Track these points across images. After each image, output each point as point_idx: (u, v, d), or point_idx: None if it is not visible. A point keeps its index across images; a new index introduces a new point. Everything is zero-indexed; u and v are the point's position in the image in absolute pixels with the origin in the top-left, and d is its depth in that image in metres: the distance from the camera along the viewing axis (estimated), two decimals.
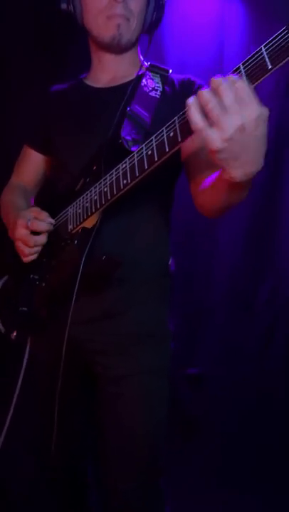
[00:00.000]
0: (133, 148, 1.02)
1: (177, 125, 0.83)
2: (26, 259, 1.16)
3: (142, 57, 1.29)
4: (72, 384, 1.21)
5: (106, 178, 1.02)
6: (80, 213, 1.09)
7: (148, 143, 0.91)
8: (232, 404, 2.29)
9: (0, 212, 1.36)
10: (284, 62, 0.69)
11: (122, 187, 0.97)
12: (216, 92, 0.70)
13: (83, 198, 1.09)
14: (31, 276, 1.19)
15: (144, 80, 1.19)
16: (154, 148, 0.89)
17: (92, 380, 1.22)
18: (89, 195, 1.07)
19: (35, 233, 1.13)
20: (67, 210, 1.14)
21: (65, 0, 1.21)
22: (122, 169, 0.97)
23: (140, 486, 1.15)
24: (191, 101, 0.73)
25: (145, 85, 1.19)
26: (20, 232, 1.13)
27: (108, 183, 1.01)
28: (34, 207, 1.19)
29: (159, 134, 0.88)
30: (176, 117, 0.84)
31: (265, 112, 0.71)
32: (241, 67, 0.72)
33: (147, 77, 1.21)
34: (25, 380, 1.23)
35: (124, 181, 0.96)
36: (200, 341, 2.43)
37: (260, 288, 2.40)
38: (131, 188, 0.98)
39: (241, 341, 2.37)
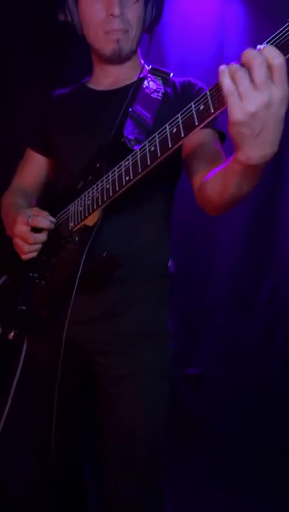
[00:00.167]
0: (135, 147, 1.02)
1: (180, 121, 0.83)
2: (25, 257, 1.16)
3: (142, 61, 1.30)
4: (72, 384, 1.22)
5: (108, 176, 1.02)
6: (81, 211, 1.09)
7: (151, 139, 0.91)
8: (232, 404, 2.29)
9: (0, 214, 1.36)
10: None
11: (124, 183, 0.97)
12: (247, 66, 0.69)
13: (85, 195, 1.09)
14: (31, 274, 1.19)
15: (145, 82, 1.20)
16: (157, 144, 0.89)
17: (92, 380, 1.22)
18: (90, 192, 1.07)
19: (35, 231, 1.13)
20: (69, 208, 1.14)
21: (62, 11, 1.21)
22: (125, 166, 0.98)
23: (140, 486, 1.15)
24: (223, 68, 0.72)
25: (147, 87, 1.19)
26: (20, 228, 1.13)
27: (110, 180, 1.01)
28: (36, 208, 1.19)
29: (162, 130, 0.88)
30: (178, 114, 0.84)
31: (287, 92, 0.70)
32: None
33: (149, 79, 1.21)
34: (25, 380, 1.23)
35: (127, 178, 0.96)
36: (200, 341, 2.43)
37: (261, 288, 2.39)
38: (133, 186, 0.98)
39: (241, 341, 2.37)
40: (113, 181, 1.00)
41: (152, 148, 0.90)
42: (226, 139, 1.15)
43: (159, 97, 1.18)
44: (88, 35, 1.21)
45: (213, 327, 2.42)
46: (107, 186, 1.01)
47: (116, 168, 1.00)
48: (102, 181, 1.04)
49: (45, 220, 1.13)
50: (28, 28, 2.02)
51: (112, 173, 1.01)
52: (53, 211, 1.19)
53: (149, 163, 0.91)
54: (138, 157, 0.94)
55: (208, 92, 0.79)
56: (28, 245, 1.13)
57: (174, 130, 0.85)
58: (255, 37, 2.22)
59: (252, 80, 0.69)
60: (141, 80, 1.21)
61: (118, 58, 1.20)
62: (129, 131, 1.09)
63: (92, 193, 1.06)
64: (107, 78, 1.27)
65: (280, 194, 2.34)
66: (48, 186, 1.41)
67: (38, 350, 1.25)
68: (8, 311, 1.21)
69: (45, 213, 1.15)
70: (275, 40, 0.69)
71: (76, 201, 1.12)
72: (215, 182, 0.96)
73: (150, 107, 1.16)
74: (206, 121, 0.81)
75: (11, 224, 1.19)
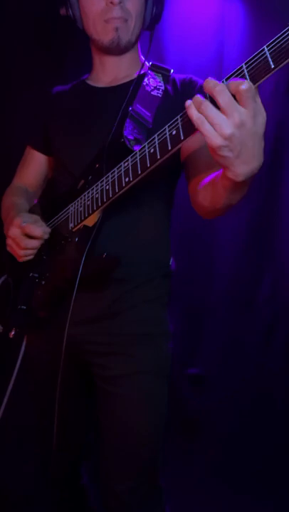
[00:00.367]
0: (135, 148, 1.02)
1: (180, 123, 0.83)
2: (19, 260, 1.16)
3: (142, 57, 1.29)
4: (71, 384, 1.21)
5: (108, 176, 1.02)
6: (81, 211, 1.09)
7: (150, 141, 0.91)
8: (232, 404, 2.29)
9: (0, 213, 1.36)
10: (287, 61, 0.69)
11: (124, 185, 0.97)
12: (210, 95, 0.72)
13: (85, 196, 1.09)
14: (31, 274, 1.19)
15: (146, 80, 1.20)
16: (157, 146, 0.89)
17: (92, 380, 1.22)
18: (90, 193, 1.07)
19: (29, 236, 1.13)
20: (69, 208, 1.14)
21: (63, 5, 1.23)
22: (125, 167, 0.97)
23: (139, 486, 1.15)
24: (188, 103, 0.75)
25: (147, 84, 1.19)
26: (13, 230, 1.12)
27: (110, 181, 1.01)
28: (35, 215, 1.19)
29: (161, 132, 0.88)
30: (178, 116, 0.84)
31: (260, 106, 0.73)
32: (244, 67, 0.73)
33: (149, 76, 1.21)
34: (25, 380, 1.22)
35: (127, 179, 0.96)
36: (200, 341, 2.43)
37: (261, 286, 2.39)
38: (132, 187, 0.98)
39: (242, 341, 2.37)
40: (113, 182, 1.00)
41: (152, 150, 0.90)
42: None
43: (159, 95, 1.18)
44: (88, 27, 1.21)
45: (213, 327, 2.41)
46: (107, 187, 1.01)
47: (116, 169, 1.00)
48: (101, 182, 1.04)
49: (38, 229, 1.11)
50: (28, 28, 2.02)
51: (111, 173, 1.01)
52: (53, 210, 1.19)
53: (148, 164, 0.91)
54: (137, 158, 0.94)
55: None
56: (20, 249, 1.13)
57: (174, 132, 0.85)
58: (255, 37, 2.21)
59: (218, 107, 0.72)
60: (141, 77, 1.20)
61: (117, 48, 1.20)
62: (129, 131, 1.09)
63: (92, 193, 1.06)
64: (106, 74, 1.27)
65: (280, 193, 2.34)
66: (50, 185, 1.41)
67: (38, 349, 1.25)
68: (8, 310, 1.21)
69: (42, 223, 1.15)
70: (275, 45, 0.69)
71: (76, 201, 1.12)
72: (206, 192, 0.98)
73: (150, 105, 1.15)
74: None
75: (9, 224, 1.19)
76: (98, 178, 1.06)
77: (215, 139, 0.73)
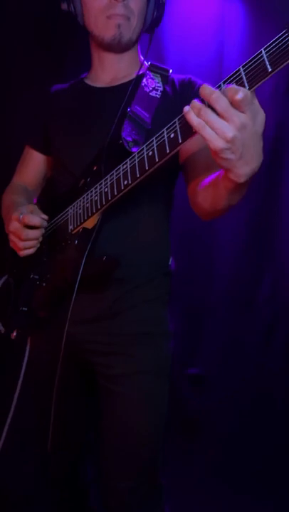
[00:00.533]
0: (133, 149, 1.02)
1: (178, 126, 0.83)
2: (21, 254, 1.16)
3: (142, 57, 1.29)
4: (71, 384, 1.22)
5: (106, 179, 1.02)
6: (80, 214, 1.09)
7: (149, 144, 0.91)
8: (232, 404, 2.29)
9: (1, 212, 1.36)
10: (284, 65, 0.69)
11: (122, 187, 0.97)
12: (207, 102, 0.73)
13: (84, 198, 1.09)
14: (31, 276, 1.19)
15: (144, 80, 1.20)
16: (155, 149, 0.89)
17: (92, 379, 1.22)
18: (89, 195, 1.07)
19: (29, 228, 1.13)
20: (68, 211, 1.14)
21: (65, 0, 1.21)
22: (123, 170, 0.97)
23: (140, 486, 1.15)
24: (187, 109, 0.75)
25: (146, 85, 1.19)
26: (13, 225, 1.13)
27: (109, 183, 1.01)
28: (32, 205, 1.19)
29: (159, 135, 0.88)
30: (176, 119, 0.84)
31: (257, 106, 0.73)
32: (241, 70, 0.73)
33: (148, 76, 1.21)
34: (25, 381, 1.23)
35: (125, 182, 0.96)
36: (200, 341, 2.43)
37: (261, 286, 2.39)
38: (131, 189, 0.98)
39: (242, 341, 2.37)
40: (112, 185, 1.00)
41: (150, 153, 0.90)
42: None
43: (157, 96, 1.18)
44: (89, 23, 1.20)
45: (213, 326, 2.41)
46: (106, 190, 1.01)
47: (114, 171, 1.00)
48: (100, 184, 1.04)
49: (36, 217, 1.12)
50: (28, 28, 2.02)
51: (110, 176, 1.01)
52: (52, 212, 1.19)
53: (147, 167, 0.91)
54: (136, 161, 0.94)
55: None
56: (21, 241, 1.13)
57: (172, 135, 0.84)
58: (255, 37, 2.21)
59: (216, 113, 0.72)
60: (140, 78, 1.20)
61: (118, 45, 1.20)
62: (127, 133, 1.09)
63: (91, 195, 1.06)
64: (105, 73, 1.27)
65: (280, 193, 2.34)
66: (49, 185, 1.41)
67: (39, 350, 1.25)
68: (9, 311, 1.21)
69: (39, 211, 1.15)
70: (272, 48, 0.69)
71: (75, 203, 1.12)
72: (206, 193, 0.98)
73: (149, 106, 1.15)
74: None
75: (9, 220, 1.19)
76: (97, 180, 1.06)
77: (217, 143, 0.73)
